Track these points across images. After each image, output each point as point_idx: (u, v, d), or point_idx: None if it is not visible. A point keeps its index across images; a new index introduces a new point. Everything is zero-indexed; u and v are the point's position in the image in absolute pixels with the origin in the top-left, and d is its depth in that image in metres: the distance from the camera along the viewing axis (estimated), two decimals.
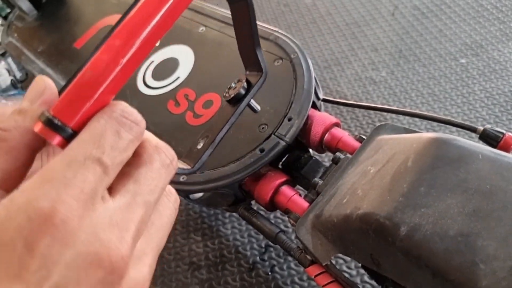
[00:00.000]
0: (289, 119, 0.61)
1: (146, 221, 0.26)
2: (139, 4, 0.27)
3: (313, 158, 0.65)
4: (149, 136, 0.27)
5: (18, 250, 0.21)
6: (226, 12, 0.85)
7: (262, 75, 0.43)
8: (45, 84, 0.26)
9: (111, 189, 0.25)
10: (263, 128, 0.63)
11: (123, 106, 0.26)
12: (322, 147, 0.65)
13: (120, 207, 0.24)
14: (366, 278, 0.88)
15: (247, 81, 0.43)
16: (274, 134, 0.61)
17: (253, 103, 0.44)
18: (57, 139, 0.24)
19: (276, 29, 0.77)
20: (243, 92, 0.42)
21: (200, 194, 0.67)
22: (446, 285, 0.34)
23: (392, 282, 0.45)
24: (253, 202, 0.73)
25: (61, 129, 0.24)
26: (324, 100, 0.76)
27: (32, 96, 0.26)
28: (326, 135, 0.63)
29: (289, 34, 0.77)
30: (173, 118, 0.77)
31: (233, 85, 0.42)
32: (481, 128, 0.59)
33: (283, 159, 0.67)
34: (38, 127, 0.25)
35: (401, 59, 1.35)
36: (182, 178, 0.62)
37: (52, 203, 0.21)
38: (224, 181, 0.61)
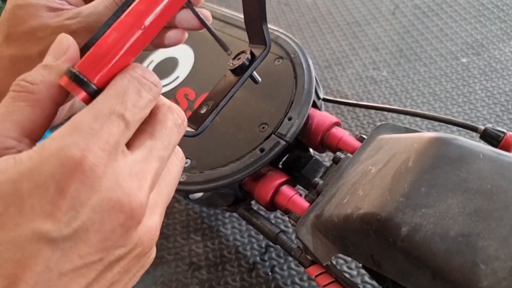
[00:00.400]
0: (290, 119, 0.61)
1: (160, 174, 0.28)
2: None
3: (314, 157, 0.65)
4: (162, 97, 0.29)
5: (51, 192, 0.23)
6: (226, 11, 0.85)
7: (266, 48, 0.45)
8: (69, 42, 0.28)
9: (129, 144, 0.27)
10: (263, 127, 0.63)
11: (143, 67, 0.28)
12: (322, 146, 0.65)
13: (138, 160, 0.26)
14: (366, 278, 0.88)
15: (251, 53, 0.44)
16: (274, 134, 0.61)
17: (255, 74, 0.45)
18: (82, 94, 0.27)
19: (277, 28, 0.77)
20: (247, 63, 0.44)
21: (200, 194, 0.67)
22: (447, 285, 0.34)
23: (392, 282, 0.45)
24: (253, 202, 0.73)
25: (86, 84, 0.26)
26: (325, 100, 0.75)
27: (56, 52, 0.28)
28: (327, 135, 0.63)
29: (290, 34, 0.77)
30: None
31: (237, 57, 0.45)
32: (482, 127, 0.59)
33: (284, 159, 0.67)
34: (64, 81, 0.27)
35: (402, 59, 1.35)
36: (182, 178, 0.62)
37: (82, 151, 0.23)
38: (224, 181, 0.60)
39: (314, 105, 0.68)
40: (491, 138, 0.57)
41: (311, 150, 0.71)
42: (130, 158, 0.26)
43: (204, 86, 0.78)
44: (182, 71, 0.83)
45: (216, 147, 0.65)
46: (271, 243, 0.97)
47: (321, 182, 0.55)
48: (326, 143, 0.63)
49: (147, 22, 0.28)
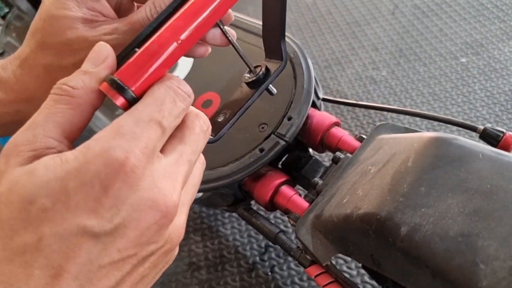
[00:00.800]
0: (289, 119, 0.61)
1: (188, 176, 0.30)
2: (185, 7, 0.33)
3: (313, 157, 0.65)
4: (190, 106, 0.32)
5: (95, 190, 0.25)
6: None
7: (282, 64, 0.47)
8: (108, 51, 0.30)
9: (162, 148, 0.29)
10: (263, 127, 0.63)
11: (178, 78, 0.31)
12: (322, 146, 0.65)
13: (171, 163, 0.28)
14: (366, 278, 0.88)
15: (266, 68, 0.47)
16: (274, 134, 0.61)
17: (271, 86, 0.48)
18: (120, 100, 0.29)
19: None
20: (262, 77, 0.46)
21: (200, 194, 0.67)
22: (447, 285, 0.34)
23: (392, 282, 0.45)
24: (252, 202, 0.73)
25: (125, 91, 0.29)
26: (324, 100, 0.75)
27: (94, 60, 0.30)
28: (326, 135, 0.63)
29: (289, 33, 0.77)
30: None
31: (249, 73, 0.47)
32: (482, 127, 0.59)
33: (283, 159, 0.67)
34: (104, 87, 0.29)
35: (401, 58, 1.35)
36: None
37: (125, 153, 0.26)
38: (224, 181, 0.60)
39: (314, 105, 0.68)
40: (491, 138, 0.57)
41: (310, 150, 0.71)
42: (164, 161, 0.28)
43: (203, 86, 0.78)
44: (181, 71, 0.83)
45: (215, 147, 0.65)
46: (270, 243, 0.97)
47: (320, 182, 0.55)
48: (326, 143, 0.63)
49: (183, 37, 0.31)
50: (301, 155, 0.66)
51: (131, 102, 0.29)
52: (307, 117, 0.63)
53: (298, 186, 0.66)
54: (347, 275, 0.49)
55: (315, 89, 0.66)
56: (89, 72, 0.29)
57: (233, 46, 0.43)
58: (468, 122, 0.62)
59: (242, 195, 0.67)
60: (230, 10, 0.40)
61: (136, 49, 0.31)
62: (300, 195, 0.60)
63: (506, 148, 0.56)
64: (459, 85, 1.23)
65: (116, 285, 0.27)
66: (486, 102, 1.17)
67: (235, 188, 0.65)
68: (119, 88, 0.29)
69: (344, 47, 1.45)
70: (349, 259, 0.92)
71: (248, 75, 0.46)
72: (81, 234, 0.25)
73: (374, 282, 0.86)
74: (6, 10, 1.29)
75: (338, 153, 0.57)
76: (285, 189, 0.60)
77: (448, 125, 1.06)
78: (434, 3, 1.51)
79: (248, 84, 0.46)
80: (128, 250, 0.27)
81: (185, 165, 0.30)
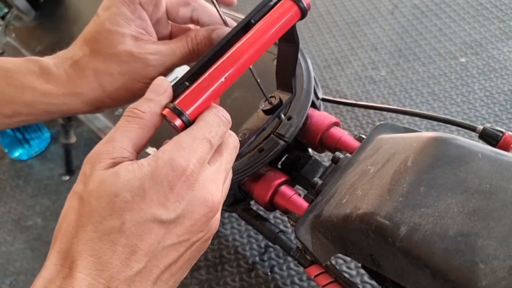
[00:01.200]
0: (289, 119, 0.61)
1: (225, 182, 0.39)
2: (238, 44, 0.42)
3: (313, 157, 0.65)
4: None
5: (164, 188, 0.34)
6: (225, 12, 0.85)
7: (292, 96, 0.57)
8: (168, 85, 0.39)
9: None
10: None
11: (222, 108, 0.40)
12: (321, 146, 0.65)
13: (214, 171, 0.37)
14: (366, 278, 0.88)
15: (280, 98, 0.57)
16: (273, 134, 0.61)
17: (281, 115, 0.60)
18: (179, 122, 0.38)
19: None
20: (276, 106, 0.56)
21: None
22: (446, 285, 0.34)
23: (392, 282, 0.45)
24: (252, 202, 0.73)
25: (183, 115, 0.38)
26: (324, 100, 0.75)
27: (157, 91, 0.39)
28: (326, 135, 0.63)
29: None
30: None
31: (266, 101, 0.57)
32: (481, 127, 0.59)
33: (283, 159, 0.67)
34: (167, 112, 0.38)
35: (400, 58, 1.35)
36: None
37: (186, 162, 0.35)
38: None
39: (313, 105, 0.68)
40: (490, 137, 0.57)
41: (310, 150, 0.71)
42: (210, 169, 0.37)
43: None
44: (180, 72, 0.83)
45: None
46: (270, 243, 0.97)
47: (320, 182, 0.55)
48: (325, 143, 0.63)
49: (227, 76, 0.40)
50: (301, 155, 0.66)
51: (187, 124, 0.38)
52: (307, 117, 0.63)
53: (297, 186, 0.66)
54: (346, 275, 0.49)
55: (314, 89, 0.66)
56: (154, 100, 0.38)
57: (257, 83, 0.52)
58: (467, 122, 0.62)
59: (242, 195, 0.67)
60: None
61: (186, 83, 0.41)
62: (299, 195, 0.60)
63: (505, 148, 0.56)
64: (458, 85, 1.23)
65: (173, 263, 0.36)
66: (485, 102, 1.17)
67: (234, 188, 0.65)
68: (178, 113, 0.38)
69: (343, 47, 1.45)
70: (348, 259, 0.92)
71: (264, 104, 0.57)
72: (152, 221, 0.33)
73: (373, 282, 0.86)
74: (6, 10, 1.29)
75: (337, 153, 0.57)
76: (285, 189, 0.60)
77: (448, 125, 1.07)
78: (433, 3, 1.51)
79: (264, 111, 0.57)
80: (184, 236, 0.35)
81: (223, 172, 0.39)
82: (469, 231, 0.35)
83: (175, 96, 0.40)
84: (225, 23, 0.48)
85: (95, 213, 0.33)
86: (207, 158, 0.37)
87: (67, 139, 1.23)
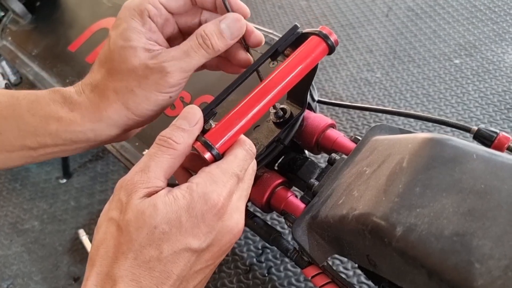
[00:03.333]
0: None
1: (244, 206, 0.42)
2: (258, 88, 0.45)
3: (309, 159, 0.65)
4: None
5: (198, 220, 0.37)
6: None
7: (302, 110, 0.58)
8: (200, 114, 0.42)
9: None
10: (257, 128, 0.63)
11: (250, 142, 0.43)
12: (317, 148, 0.65)
13: (238, 198, 0.41)
14: (362, 278, 0.88)
15: (290, 112, 0.58)
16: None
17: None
18: (208, 155, 0.41)
19: (271, 31, 0.78)
20: (285, 119, 0.58)
21: None
22: (442, 284, 0.34)
23: (388, 282, 0.45)
24: (249, 203, 0.73)
25: (212, 149, 0.41)
26: (320, 102, 0.76)
27: (190, 120, 0.41)
28: (322, 136, 0.63)
29: None
30: (169, 120, 0.76)
31: (274, 110, 0.58)
32: (475, 128, 0.59)
33: (279, 161, 0.67)
34: (198, 145, 0.41)
35: (395, 60, 1.36)
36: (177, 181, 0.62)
37: (218, 196, 0.38)
38: None
39: (309, 107, 0.68)
40: (484, 138, 0.58)
41: (306, 151, 0.71)
42: (235, 197, 0.40)
43: (199, 89, 0.79)
44: None
45: None
46: (267, 245, 0.97)
47: (316, 183, 0.55)
48: (321, 145, 0.64)
49: (254, 112, 0.43)
50: (297, 157, 0.66)
51: (216, 157, 0.41)
52: (303, 119, 0.63)
53: (294, 188, 0.67)
54: (343, 276, 0.49)
55: (310, 91, 0.66)
56: (187, 130, 0.40)
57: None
58: (462, 123, 0.62)
59: None
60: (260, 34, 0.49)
61: (214, 110, 0.44)
62: (296, 196, 0.60)
63: (499, 148, 0.56)
64: (453, 86, 1.23)
65: (199, 283, 0.39)
66: (479, 103, 1.17)
67: None
68: (208, 147, 0.40)
69: (339, 49, 1.45)
70: (345, 259, 0.92)
71: (274, 115, 0.58)
72: (186, 250, 0.36)
73: (370, 283, 0.86)
74: (2, 14, 1.29)
75: (333, 155, 0.57)
76: (282, 190, 0.60)
77: (442, 126, 1.07)
78: (427, 5, 1.52)
79: (274, 123, 0.59)
80: (211, 261, 0.39)
81: (245, 198, 0.42)
82: (465, 231, 0.35)
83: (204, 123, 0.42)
84: (228, 10, 0.46)
85: (135, 242, 0.35)
86: (234, 191, 0.40)
87: None
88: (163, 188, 0.38)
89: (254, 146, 0.43)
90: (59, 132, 0.46)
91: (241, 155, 0.41)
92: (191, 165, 0.46)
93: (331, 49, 0.48)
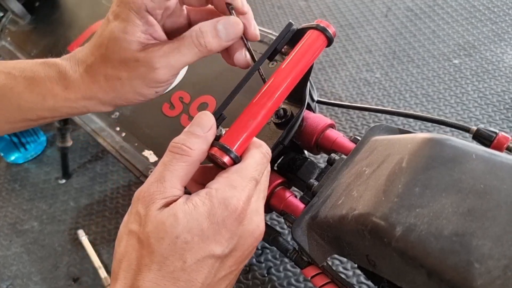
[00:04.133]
0: None
1: (263, 207, 0.42)
2: (266, 86, 0.45)
3: (308, 159, 0.65)
4: None
5: (220, 227, 0.37)
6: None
7: (302, 107, 0.58)
8: (212, 121, 0.41)
9: None
10: None
11: (265, 145, 0.43)
12: (317, 148, 0.65)
13: (256, 200, 0.40)
14: (362, 278, 0.88)
15: (291, 112, 0.59)
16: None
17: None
18: (227, 158, 0.40)
19: (270, 32, 0.78)
20: (287, 119, 0.58)
21: None
22: (442, 284, 0.34)
23: (388, 282, 0.45)
24: None
25: (231, 152, 0.40)
26: (319, 102, 0.76)
27: (203, 126, 0.41)
28: (321, 137, 0.63)
29: None
30: (168, 121, 0.77)
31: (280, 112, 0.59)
32: (475, 128, 0.59)
33: (279, 161, 0.67)
34: (214, 150, 0.40)
35: (395, 60, 1.36)
36: None
37: (237, 201, 0.38)
38: None
39: (309, 108, 0.68)
40: (484, 138, 0.58)
41: (306, 152, 0.71)
42: (253, 200, 0.40)
43: (199, 89, 0.79)
44: (177, 76, 0.83)
45: None
46: (267, 245, 0.97)
47: (316, 183, 0.55)
48: (321, 145, 0.64)
49: (266, 110, 0.43)
50: (297, 157, 0.66)
51: (235, 160, 0.40)
52: (302, 120, 0.64)
53: (293, 188, 0.67)
54: (343, 276, 0.49)
55: (309, 92, 0.66)
56: (201, 136, 0.40)
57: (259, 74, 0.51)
58: (461, 123, 0.62)
59: None
60: (257, 31, 0.48)
61: (223, 114, 0.43)
62: (296, 196, 0.60)
63: (499, 148, 0.56)
64: (452, 86, 1.24)
65: None
66: (479, 103, 1.17)
67: None
68: (226, 150, 0.40)
69: (338, 50, 1.46)
70: (344, 259, 0.92)
71: (276, 117, 0.59)
72: (209, 257, 0.36)
73: (370, 283, 0.86)
74: (1, 14, 1.29)
75: (333, 155, 0.57)
76: (281, 191, 0.60)
77: (442, 126, 1.07)
78: (426, 5, 1.52)
79: (276, 124, 0.59)
80: (234, 266, 0.39)
81: (263, 200, 0.43)
82: (464, 231, 0.35)
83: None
84: (231, 14, 0.47)
85: (157, 253, 0.35)
86: (252, 194, 0.40)
87: (64, 142, 1.22)
88: (180, 197, 0.38)
89: (269, 149, 0.43)
90: (56, 107, 0.49)
91: (259, 158, 0.41)
92: (203, 178, 0.45)
93: (330, 41, 0.48)
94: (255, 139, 0.43)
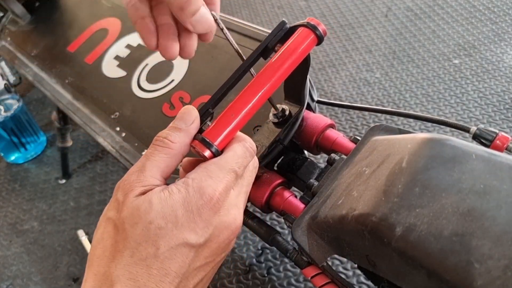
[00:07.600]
0: None
1: (245, 202, 0.42)
2: (251, 83, 0.44)
3: (308, 159, 0.65)
4: None
5: (194, 215, 0.36)
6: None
7: (301, 108, 0.58)
8: (196, 114, 0.42)
9: None
10: (257, 129, 0.63)
11: (250, 139, 0.43)
12: (317, 148, 0.65)
13: (236, 195, 0.41)
14: (362, 278, 0.88)
15: (289, 111, 0.58)
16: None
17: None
18: (207, 152, 0.40)
19: (270, 31, 0.77)
20: (285, 119, 0.58)
21: None
22: (442, 284, 0.34)
23: (388, 282, 0.45)
24: (248, 204, 0.73)
25: (211, 146, 0.40)
26: (319, 102, 0.76)
27: (186, 120, 0.41)
28: (321, 137, 0.63)
29: None
30: (168, 121, 0.76)
31: (274, 111, 0.59)
32: (474, 128, 0.59)
33: (279, 161, 0.67)
34: (196, 143, 0.41)
35: (395, 60, 1.36)
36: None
37: (213, 191, 0.37)
38: None
39: (309, 108, 0.68)
40: (483, 138, 0.58)
41: (306, 152, 0.71)
42: (233, 194, 0.40)
43: (199, 89, 0.79)
44: (177, 75, 0.83)
45: None
46: (267, 245, 0.97)
47: (316, 183, 0.55)
48: (321, 145, 0.64)
49: (251, 106, 0.43)
50: (297, 157, 0.66)
51: (215, 154, 0.40)
52: (302, 120, 0.64)
53: (293, 188, 0.67)
54: (343, 276, 0.49)
55: (309, 92, 0.66)
56: (183, 130, 0.41)
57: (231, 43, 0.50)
58: (461, 123, 0.62)
59: None
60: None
61: (210, 109, 0.43)
62: (296, 196, 0.60)
63: (498, 149, 0.56)
64: (452, 86, 1.24)
65: (200, 281, 0.39)
66: (479, 103, 1.18)
67: None
68: (207, 144, 0.40)
69: (338, 50, 1.46)
70: (344, 260, 0.92)
71: (274, 116, 0.59)
72: (184, 245, 0.36)
73: (370, 283, 0.86)
74: (1, 14, 1.29)
75: (333, 155, 0.57)
76: (281, 191, 0.60)
77: (442, 126, 1.07)
78: (426, 5, 1.52)
79: (274, 123, 0.59)
80: (210, 257, 0.39)
81: (244, 195, 0.42)
82: (464, 231, 0.35)
83: (200, 123, 0.42)
84: (220, 27, 0.47)
85: (130, 239, 0.35)
86: (231, 186, 0.40)
87: (63, 142, 1.23)
88: (159, 186, 0.38)
89: (254, 144, 0.43)
90: None
91: (240, 151, 0.41)
92: None
93: (319, 39, 0.48)
94: (239, 133, 0.43)
